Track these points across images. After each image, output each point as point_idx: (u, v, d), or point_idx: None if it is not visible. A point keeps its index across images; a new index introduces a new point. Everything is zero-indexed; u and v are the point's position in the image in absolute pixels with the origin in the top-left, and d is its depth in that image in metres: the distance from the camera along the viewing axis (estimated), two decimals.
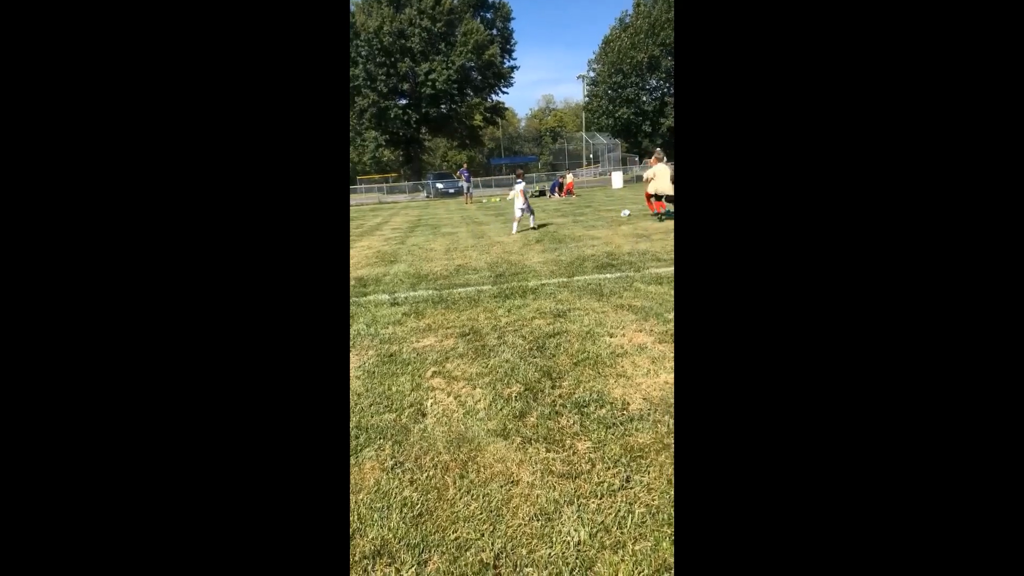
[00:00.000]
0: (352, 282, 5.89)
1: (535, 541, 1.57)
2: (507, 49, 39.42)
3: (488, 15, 38.43)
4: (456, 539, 1.60)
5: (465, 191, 23.29)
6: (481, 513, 1.71)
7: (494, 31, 38.10)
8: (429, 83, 35.27)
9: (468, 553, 1.53)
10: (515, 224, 9.76)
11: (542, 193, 24.62)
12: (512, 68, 39.94)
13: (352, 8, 34.47)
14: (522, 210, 9.72)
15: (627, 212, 11.47)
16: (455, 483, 1.89)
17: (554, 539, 1.57)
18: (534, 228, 9.91)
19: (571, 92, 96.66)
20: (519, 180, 10.15)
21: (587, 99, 43.14)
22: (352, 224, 14.85)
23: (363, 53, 34.72)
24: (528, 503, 1.75)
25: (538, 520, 1.66)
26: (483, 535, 1.60)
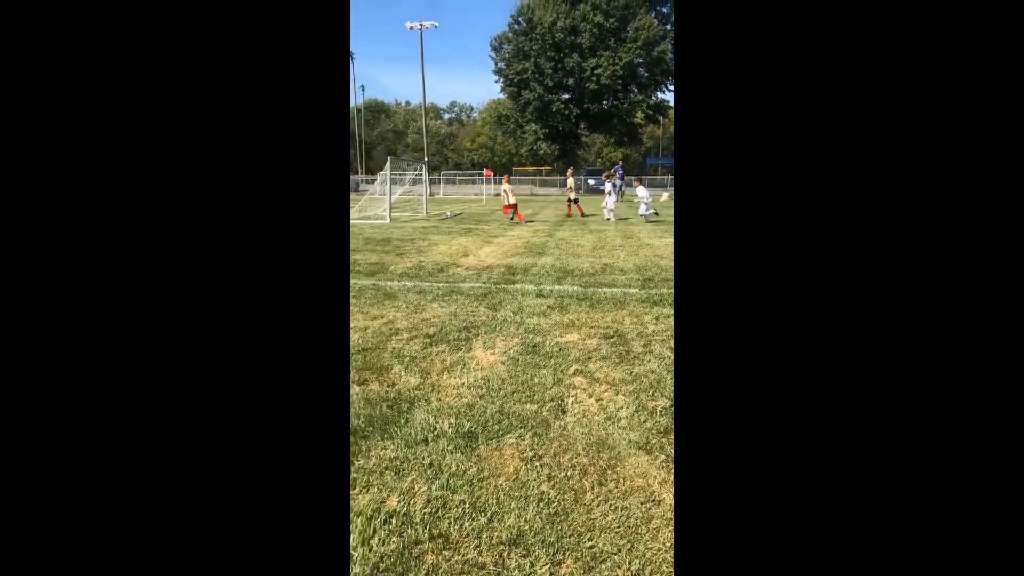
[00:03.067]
0: (502, 269, 6.11)
1: None
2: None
3: (664, 9, 37.02)
4: (591, 548, 1.56)
5: (618, 188, 22.88)
6: (619, 527, 1.65)
7: (668, 26, 36.62)
8: (594, 78, 35.08)
9: (603, 566, 1.48)
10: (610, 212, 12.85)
11: None
12: None
13: (527, 1, 35.47)
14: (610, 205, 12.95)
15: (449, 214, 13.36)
16: (592, 488, 1.85)
17: None
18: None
19: None
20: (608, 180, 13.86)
21: None
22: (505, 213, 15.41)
23: (535, 48, 35.63)
24: (671, 528, 1.64)
25: None
26: (620, 551, 1.54)
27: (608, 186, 13.42)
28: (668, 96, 39.00)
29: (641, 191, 12.81)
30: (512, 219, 12.45)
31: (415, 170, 19.72)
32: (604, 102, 37.78)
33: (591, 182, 29.40)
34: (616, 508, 1.74)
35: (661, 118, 42.09)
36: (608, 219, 12.59)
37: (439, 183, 32.98)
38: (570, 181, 14.07)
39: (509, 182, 13.44)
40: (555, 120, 37.59)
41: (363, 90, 57.21)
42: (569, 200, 13.67)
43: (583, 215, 13.36)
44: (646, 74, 37.07)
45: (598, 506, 1.75)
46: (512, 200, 12.57)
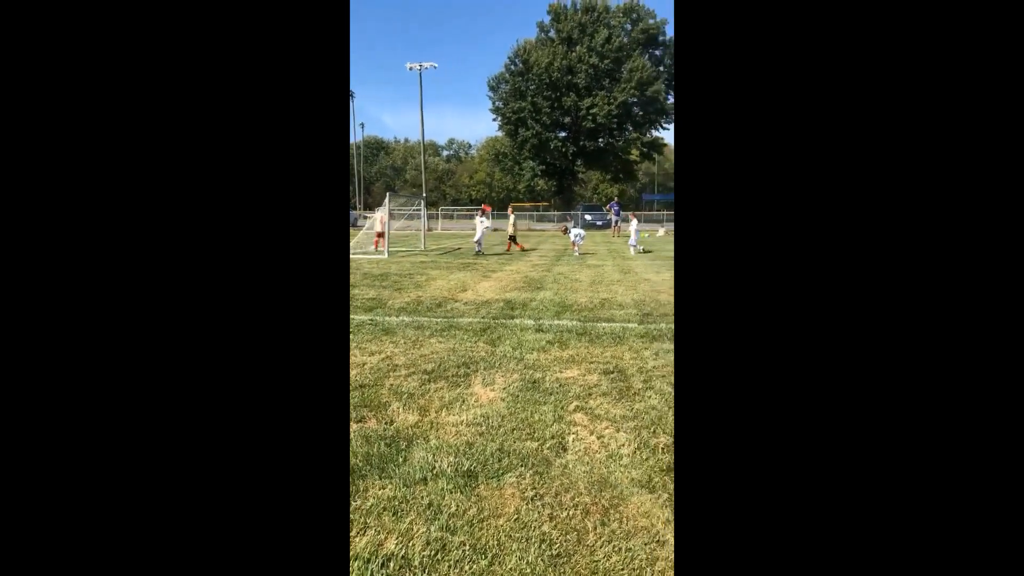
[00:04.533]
0: (501, 304, 6.11)
1: None
2: (673, 85, 38.81)
3: (657, 52, 38.30)
4: None
5: (613, 224, 23.19)
6: (623, 569, 1.61)
7: (661, 68, 37.81)
8: (590, 117, 36.00)
9: None
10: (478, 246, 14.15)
11: None
12: None
13: (524, 44, 36.66)
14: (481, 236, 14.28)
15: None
16: (595, 529, 1.81)
17: None
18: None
19: None
20: (483, 217, 15.76)
21: None
22: (503, 248, 15.50)
23: (532, 87, 36.63)
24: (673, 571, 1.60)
25: None
26: None
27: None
28: (662, 133, 39.94)
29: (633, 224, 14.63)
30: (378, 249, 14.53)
31: (414, 205, 19.93)
32: (600, 140, 38.66)
33: (587, 217, 29.71)
34: (620, 550, 1.70)
35: (656, 155, 42.96)
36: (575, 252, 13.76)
37: (437, 218, 33.33)
38: (511, 218, 15.99)
39: (385, 215, 15.74)
40: (552, 157, 38.35)
41: (363, 127, 58.35)
42: (510, 237, 15.33)
43: (522, 250, 14.93)
44: (640, 113, 38.05)
45: (601, 547, 1.71)
46: (380, 229, 14.57)
